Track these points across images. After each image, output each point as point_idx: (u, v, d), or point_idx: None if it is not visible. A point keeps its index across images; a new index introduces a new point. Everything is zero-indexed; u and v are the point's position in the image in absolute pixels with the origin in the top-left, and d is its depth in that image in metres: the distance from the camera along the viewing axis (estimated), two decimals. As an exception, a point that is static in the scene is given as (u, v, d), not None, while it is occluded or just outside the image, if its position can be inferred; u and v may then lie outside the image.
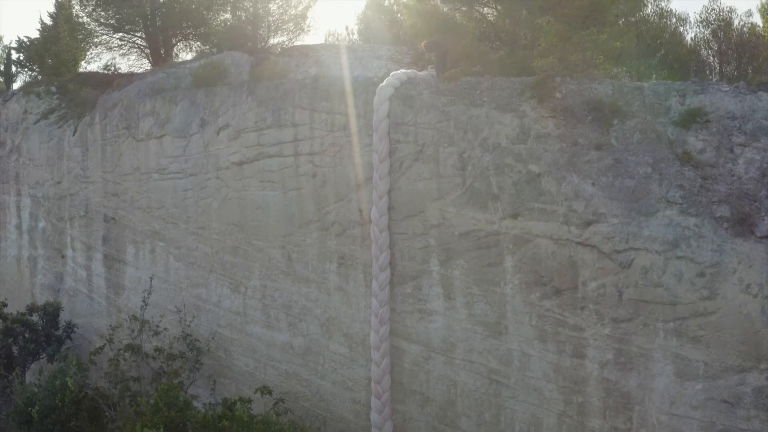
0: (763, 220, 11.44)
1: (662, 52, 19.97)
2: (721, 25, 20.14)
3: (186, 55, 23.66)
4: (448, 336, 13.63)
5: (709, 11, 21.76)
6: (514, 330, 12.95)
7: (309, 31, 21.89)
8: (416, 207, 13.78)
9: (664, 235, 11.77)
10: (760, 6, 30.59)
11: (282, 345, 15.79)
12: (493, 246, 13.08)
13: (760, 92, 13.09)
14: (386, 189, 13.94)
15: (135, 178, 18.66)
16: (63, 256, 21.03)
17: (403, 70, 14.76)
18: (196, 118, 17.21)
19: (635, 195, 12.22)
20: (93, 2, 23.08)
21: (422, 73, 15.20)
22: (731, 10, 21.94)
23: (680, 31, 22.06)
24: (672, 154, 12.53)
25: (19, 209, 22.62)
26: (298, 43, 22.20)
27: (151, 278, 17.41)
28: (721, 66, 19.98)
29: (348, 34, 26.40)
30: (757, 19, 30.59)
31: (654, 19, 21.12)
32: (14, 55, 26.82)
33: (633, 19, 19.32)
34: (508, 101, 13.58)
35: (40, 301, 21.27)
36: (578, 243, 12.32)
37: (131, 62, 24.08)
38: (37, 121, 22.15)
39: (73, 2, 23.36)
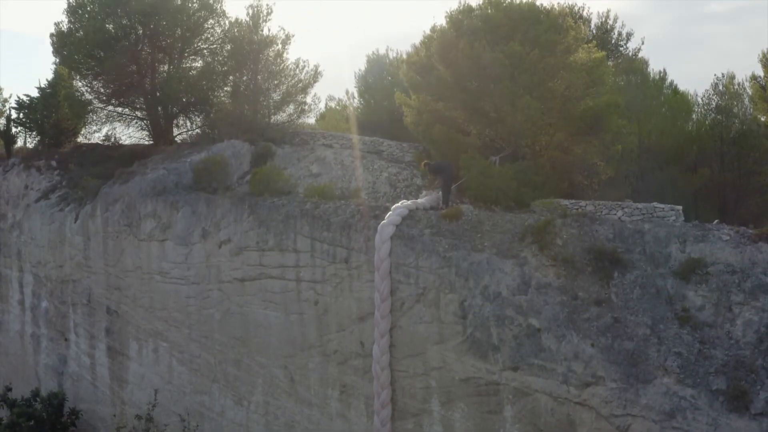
0: (759, 395, 11.61)
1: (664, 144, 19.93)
2: (722, 120, 20.14)
3: (186, 125, 23.54)
4: (449, 475, 13.86)
5: (711, 96, 21.77)
6: (513, 478, 13.18)
7: (309, 112, 21.81)
8: (417, 348, 13.92)
9: (661, 404, 11.95)
10: (761, 56, 30.67)
11: (285, 462, 16.04)
12: (493, 395, 13.25)
13: (760, 243, 13.15)
14: (387, 328, 14.08)
15: (137, 276, 18.77)
16: (66, 339, 21.21)
17: (405, 203, 14.79)
18: (197, 228, 17.27)
19: (634, 359, 12.37)
20: (91, 73, 22.94)
21: (423, 200, 15.24)
22: (733, 96, 21.94)
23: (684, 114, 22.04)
24: (671, 313, 12.63)
25: (21, 285, 22.75)
26: (300, 119, 22.09)
27: (156, 391, 17.62)
28: (722, 160, 19.96)
29: (349, 98, 26.33)
30: (759, 70, 30.62)
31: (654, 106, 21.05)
32: (14, 114, 26.73)
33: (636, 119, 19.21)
34: (509, 246, 13.66)
35: (45, 383, 21.51)
36: (577, 403, 12.50)
37: (131, 132, 24.04)
38: (38, 200, 22.16)
39: (72, 73, 23.16)
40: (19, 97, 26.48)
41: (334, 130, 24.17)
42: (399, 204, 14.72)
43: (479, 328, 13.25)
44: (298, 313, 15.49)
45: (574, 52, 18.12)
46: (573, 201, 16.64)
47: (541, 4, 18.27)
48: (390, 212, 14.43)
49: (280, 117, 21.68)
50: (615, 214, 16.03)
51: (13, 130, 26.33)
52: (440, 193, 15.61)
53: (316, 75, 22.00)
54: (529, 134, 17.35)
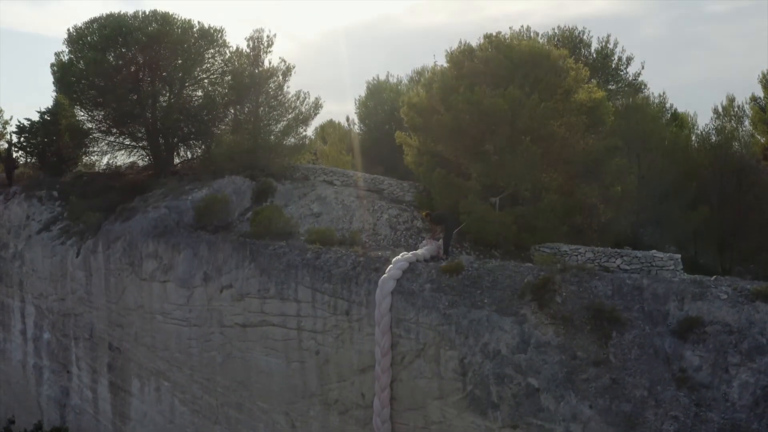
0: (755, 461, 11.78)
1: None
2: (721, 154, 20.19)
3: (187, 155, 23.58)
4: None
5: (710, 130, 21.85)
6: None
7: (311, 147, 21.83)
8: (417, 402, 14.04)
9: (659, 469, 12.12)
10: (761, 77, 30.74)
11: (287, 507, 16.19)
12: (493, 452, 13.40)
13: (757, 302, 13.26)
14: (388, 382, 14.19)
15: (139, 315, 18.88)
16: (68, 372, 21.36)
17: (405, 255, 14.84)
18: (199, 271, 17.37)
19: (631, 422, 12.50)
20: (92, 103, 22.93)
21: (423, 251, 15.30)
22: (732, 132, 22.02)
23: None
24: (668, 374, 12.76)
25: (23, 316, 22.86)
26: (300, 152, 22.11)
27: (158, 435, 17.81)
28: (722, 195, 20.01)
29: (349, 124, 26.39)
30: (759, 91, 30.72)
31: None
32: (14, 138, 26.71)
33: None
34: (508, 303, 13.76)
35: (47, 414, 21.66)
36: (576, 464, 12.67)
37: (133, 160, 24.04)
38: (40, 231, 22.24)
39: (73, 102, 23.16)
40: (19, 121, 26.56)
41: (334, 154, 24.27)
42: (399, 257, 14.79)
43: (479, 385, 13.37)
44: (300, 362, 15.61)
45: (575, 92, 18.21)
46: (573, 247, 16.78)
47: (542, 45, 18.34)
48: (390, 265, 14.51)
49: (281, 151, 21.64)
50: (614, 263, 16.23)
51: (14, 155, 26.30)
52: (441, 242, 15.70)
53: (317, 107, 22.04)
54: (529, 178, 17.44)
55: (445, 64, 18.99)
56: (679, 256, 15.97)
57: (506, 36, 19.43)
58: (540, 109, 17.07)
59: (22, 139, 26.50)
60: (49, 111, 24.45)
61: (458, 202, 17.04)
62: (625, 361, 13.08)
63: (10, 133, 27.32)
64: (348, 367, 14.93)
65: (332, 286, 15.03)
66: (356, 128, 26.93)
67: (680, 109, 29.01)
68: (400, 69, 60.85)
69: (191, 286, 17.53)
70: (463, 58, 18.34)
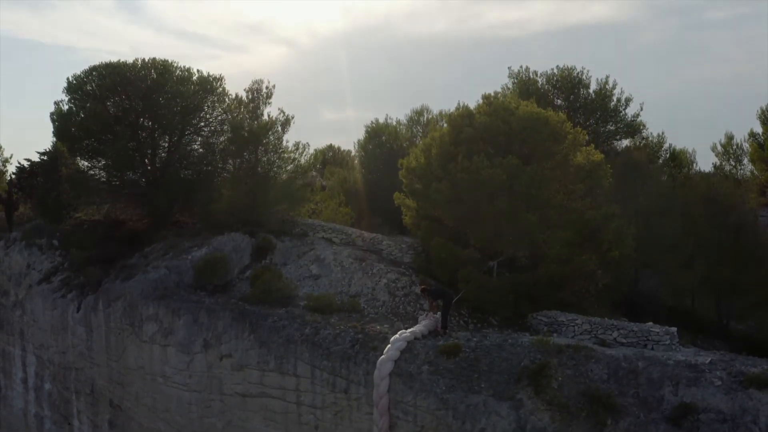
0: None
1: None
2: (718, 211, 20.27)
3: (187, 203, 23.62)
4: None
5: (704, 180, 21.93)
6: None
7: (311, 202, 22.00)
8: (416, 483, 14.21)
9: None
10: (759, 113, 30.84)
11: None
12: None
13: (750, 389, 13.41)
14: (387, 462, 14.35)
15: (140, 376, 19.02)
16: (69, 424, 21.50)
17: (403, 333, 14.97)
18: (199, 338, 17.50)
19: None
20: (92, 153, 23.02)
21: (421, 327, 15.43)
22: (732, 173, 22.11)
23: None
24: (663, 465, 12.95)
25: (24, 364, 23.02)
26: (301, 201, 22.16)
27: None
28: (720, 248, 20.06)
29: (348, 168, 26.47)
30: (757, 127, 30.81)
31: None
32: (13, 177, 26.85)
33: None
34: (505, 388, 13.90)
35: (49, 465, 21.82)
36: None
37: (132, 211, 24.04)
38: (41, 282, 22.36)
39: (74, 153, 23.24)
40: (19, 162, 26.71)
41: (333, 206, 24.32)
42: (398, 335, 14.92)
43: (476, 472, 13.51)
44: (299, 435, 15.77)
45: (573, 156, 18.29)
46: (570, 317, 16.86)
47: (541, 111, 18.38)
48: (389, 346, 14.66)
49: (281, 205, 21.65)
50: (610, 335, 16.31)
51: (14, 195, 26.37)
52: (439, 314, 15.83)
53: (316, 159, 22.09)
54: (526, 244, 17.54)
55: (444, 125, 19.07)
56: (674, 329, 16.07)
57: (505, 94, 19.54)
58: (538, 176, 17.17)
59: (21, 180, 26.66)
60: (47, 153, 24.55)
61: (457, 270, 17.13)
62: (620, 450, 13.26)
63: (10, 174, 27.37)
64: (347, 444, 15.09)
65: (331, 364, 15.17)
66: (356, 169, 27.02)
67: (679, 140, 29.28)
68: (399, 75, 60.72)
69: (191, 352, 17.66)
70: (461, 122, 18.39)
